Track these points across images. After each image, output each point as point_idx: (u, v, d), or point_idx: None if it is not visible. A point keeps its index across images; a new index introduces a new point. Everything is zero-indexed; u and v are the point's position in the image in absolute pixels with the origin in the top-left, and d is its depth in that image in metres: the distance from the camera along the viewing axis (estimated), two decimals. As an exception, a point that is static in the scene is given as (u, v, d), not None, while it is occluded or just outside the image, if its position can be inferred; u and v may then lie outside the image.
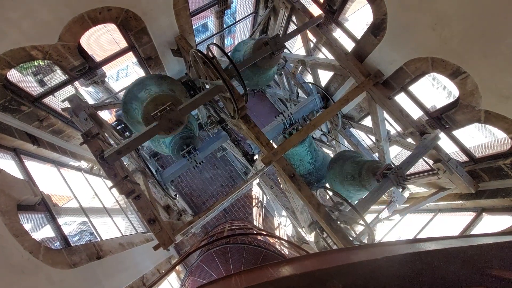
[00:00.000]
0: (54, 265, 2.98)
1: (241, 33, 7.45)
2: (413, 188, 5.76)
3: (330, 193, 4.19)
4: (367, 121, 5.64)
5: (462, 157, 4.27)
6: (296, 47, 8.81)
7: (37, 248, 2.90)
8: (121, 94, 6.26)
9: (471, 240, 1.09)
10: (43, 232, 4.30)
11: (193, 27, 4.76)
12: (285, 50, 4.85)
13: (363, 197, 3.85)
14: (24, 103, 3.90)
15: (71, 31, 3.51)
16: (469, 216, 4.26)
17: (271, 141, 3.73)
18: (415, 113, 4.28)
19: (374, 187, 3.92)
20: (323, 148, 9.46)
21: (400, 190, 5.29)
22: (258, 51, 4.07)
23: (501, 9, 2.67)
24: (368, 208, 3.57)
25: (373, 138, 5.35)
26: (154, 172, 5.44)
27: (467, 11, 2.93)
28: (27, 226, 3.01)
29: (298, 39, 6.92)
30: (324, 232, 3.98)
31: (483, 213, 4.05)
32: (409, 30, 3.58)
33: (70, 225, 7.08)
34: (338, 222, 3.31)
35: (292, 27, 6.26)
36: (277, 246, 6.33)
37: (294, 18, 5.58)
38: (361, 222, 3.32)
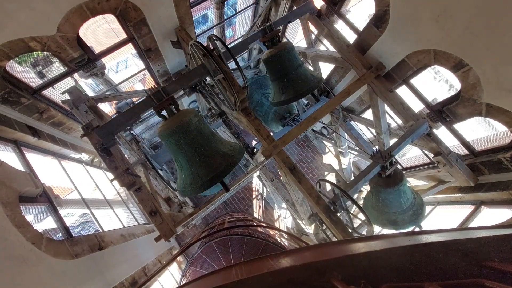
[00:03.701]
0: (56, 255, 3.02)
1: (242, 24, 7.35)
2: (412, 181, 5.78)
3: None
4: (368, 114, 5.62)
5: (462, 151, 4.27)
6: (297, 39, 8.71)
7: (39, 239, 2.93)
8: (121, 86, 6.22)
9: (470, 233, 1.09)
10: (45, 224, 4.34)
11: (193, 18, 4.70)
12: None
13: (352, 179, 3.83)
14: (23, 95, 3.88)
15: (70, 22, 3.47)
16: (467, 209, 4.29)
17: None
18: (417, 106, 4.26)
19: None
20: (323, 141, 9.47)
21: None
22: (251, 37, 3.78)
23: (505, 1, 2.63)
24: (358, 188, 3.59)
25: (373, 131, 5.35)
26: (155, 164, 5.46)
27: (470, 2, 2.88)
28: (29, 218, 3.04)
29: (299, 30, 6.84)
30: (323, 224, 4.00)
31: (482, 206, 4.08)
32: (412, 22, 3.54)
33: (71, 216, 7.14)
34: (338, 214, 3.33)
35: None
36: (277, 238, 6.39)
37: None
38: (361, 217, 3.34)
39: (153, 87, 2.74)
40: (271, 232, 6.65)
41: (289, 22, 4.33)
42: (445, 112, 3.92)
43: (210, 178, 2.76)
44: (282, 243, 5.86)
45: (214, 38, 2.99)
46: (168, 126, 2.71)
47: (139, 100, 2.84)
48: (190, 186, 2.83)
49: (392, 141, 5.17)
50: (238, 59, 3.28)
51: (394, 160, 3.65)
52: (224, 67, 2.84)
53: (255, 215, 9.45)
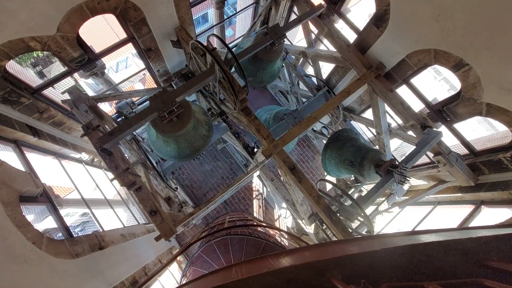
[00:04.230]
0: (57, 255, 3.02)
1: (242, 24, 7.36)
2: (412, 181, 5.77)
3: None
4: (368, 114, 5.62)
5: (463, 150, 4.27)
6: (297, 38, 8.71)
7: (40, 238, 2.93)
8: (121, 86, 6.23)
9: (470, 233, 1.09)
10: (45, 223, 4.33)
11: (193, 18, 4.70)
12: (286, 42, 4.80)
13: (364, 194, 3.86)
14: (23, 95, 3.88)
15: (70, 21, 3.46)
16: (468, 209, 4.29)
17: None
18: (417, 106, 4.26)
19: (370, 176, 3.94)
20: (323, 141, 9.45)
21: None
22: (258, 42, 4.06)
23: (505, 0, 2.63)
24: (369, 204, 3.60)
25: (373, 130, 5.34)
26: (155, 164, 5.47)
27: (471, 2, 2.88)
28: (30, 217, 3.04)
29: (299, 30, 6.84)
30: (323, 224, 4.01)
31: (482, 206, 4.07)
32: (412, 21, 3.53)
33: (72, 216, 7.14)
34: (338, 215, 3.33)
35: (293, 18, 6.18)
36: (277, 238, 6.39)
37: (295, 9, 5.50)
38: (361, 215, 3.35)
39: (161, 92, 2.75)
40: (271, 231, 6.65)
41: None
42: (445, 111, 3.92)
43: (191, 155, 3.59)
44: (282, 243, 5.86)
45: (229, 50, 3.07)
46: (171, 131, 2.87)
47: (146, 112, 2.88)
48: (174, 158, 3.64)
49: (392, 141, 5.19)
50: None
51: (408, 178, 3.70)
52: (223, 67, 2.84)
53: (255, 214, 9.45)
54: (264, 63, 4.60)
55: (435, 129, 4.10)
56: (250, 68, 4.81)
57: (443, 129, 4.20)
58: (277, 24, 4.23)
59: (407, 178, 3.61)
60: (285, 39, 4.37)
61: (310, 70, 7.27)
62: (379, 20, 3.96)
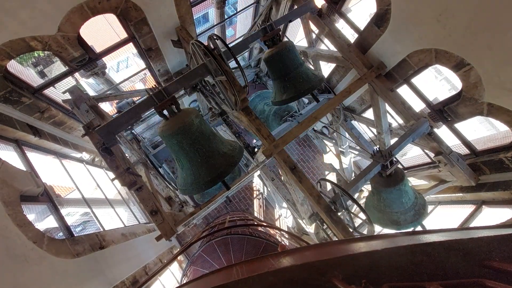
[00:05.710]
0: (57, 255, 3.02)
1: (243, 24, 7.35)
2: (413, 181, 5.77)
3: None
4: (369, 114, 5.61)
5: (464, 150, 4.26)
6: (298, 38, 8.69)
7: (40, 238, 2.94)
8: (122, 85, 6.23)
9: (472, 233, 1.09)
10: (46, 223, 4.34)
11: (194, 18, 4.70)
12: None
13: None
14: (24, 95, 3.89)
15: (71, 21, 3.47)
16: (469, 209, 4.28)
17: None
18: (418, 106, 4.25)
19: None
20: (324, 141, 9.46)
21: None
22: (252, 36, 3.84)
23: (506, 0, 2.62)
24: (358, 188, 3.62)
25: (374, 130, 5.34)
26: (154, 161, 5.47)
27: (472, 1, 2.87)
28: (30, 217, 3.04)
29: (300, 30, 6.83)
30: (324, 224, 4.00)
31: (483, 206, 4.07)
32: (413, 21, 3.53)
33: (72, 215, 7.15)
34: (338, 214, 3.33)
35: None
36: (277, 237, 6.40)
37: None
38: (362, 216, 3.35)
39: (154, 86, 2.74)
40: (272, 231, 6.65)
41: (290, 21, 4.33)
42: (446, 111, 3.91)
43: (211, 179, 2.77)
44: (283, 243, 5.86)
45: (215, 37, 2.99)
46: (169, 126, 2.70)
47: (140, 100, 2.82)
48: (191, 185, 2.83)
49: (393, 141, 5.18)
50: (238, 59, 3.27)
51: (394, 159, 3.65)
52: (225, 67, 2.83)
53: (255, 214, 9.45)
54: (280, 63, 3.98)
55: (435, 129, 4.10)
56: (278, 84, 4.22)
57: (444, 129, 4.19)
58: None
59: (391, 154, 3.62)
60: (286, 39, 4.35)
61: (310, 70, 7.24)
62: (380, 20, 3.95)
